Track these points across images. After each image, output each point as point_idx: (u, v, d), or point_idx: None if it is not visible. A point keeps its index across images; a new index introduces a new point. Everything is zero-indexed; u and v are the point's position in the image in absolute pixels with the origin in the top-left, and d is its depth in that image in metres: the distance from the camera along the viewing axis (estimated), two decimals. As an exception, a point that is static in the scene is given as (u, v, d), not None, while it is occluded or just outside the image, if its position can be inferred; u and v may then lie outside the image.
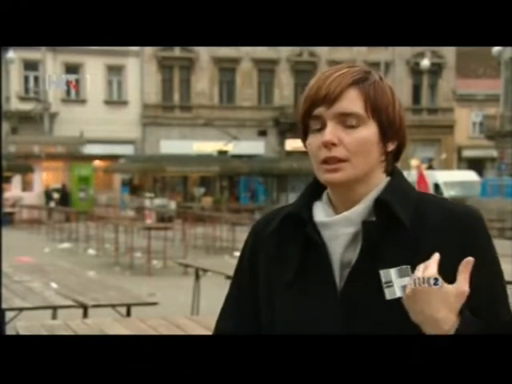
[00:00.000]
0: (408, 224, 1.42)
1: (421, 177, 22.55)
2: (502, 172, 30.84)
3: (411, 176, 26.30)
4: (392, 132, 1.45)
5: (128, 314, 6.27)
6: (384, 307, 1.39)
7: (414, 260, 1.39)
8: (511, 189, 25.57)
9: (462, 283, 1.33)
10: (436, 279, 1.31)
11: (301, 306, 1.45)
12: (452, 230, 1.42)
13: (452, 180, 29.92)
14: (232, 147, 36.27)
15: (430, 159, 40.06)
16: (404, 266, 1.39)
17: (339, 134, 1.41)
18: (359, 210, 1.44)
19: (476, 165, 39.10)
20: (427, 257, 1.37)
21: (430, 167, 36.56)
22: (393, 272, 1.39)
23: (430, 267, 1.33)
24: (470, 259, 1.34)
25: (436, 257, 1.35)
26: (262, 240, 1.54)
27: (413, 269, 1.39)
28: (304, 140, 1.48)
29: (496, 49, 31.74)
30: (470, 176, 31.49)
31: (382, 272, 1.40)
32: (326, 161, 1.42)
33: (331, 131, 1.41)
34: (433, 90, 41.23)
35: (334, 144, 1.40)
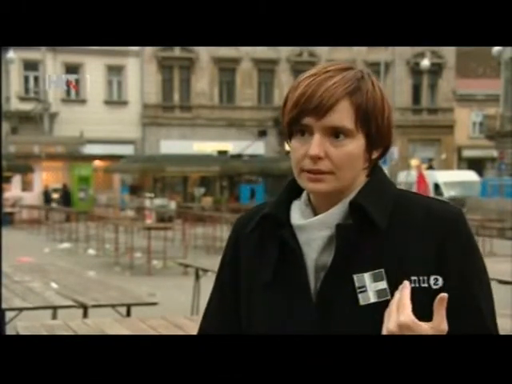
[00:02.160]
0: (383, 226, 1.40)
1: (421, 177, 22.58)
2: (502, 172, 30.83)
3: (411, 176, 26.34)
4: (379, 141, 1.43)
5: (128, 314, 6.27)
6: (358, 311, 1.38)
7: (391, 262, 1.38)
8: (511, 189, 25.57)
9: (440, 321, 1.28)
10: (436, 279, 1.30)
11: (276, 308, 1.44)
12: (430, 231, 1.40)
13: (452, 180, 29.93)
14: (232, 147, 36.29)
15: (430, 159, 40.05)
16: (378, 270, 1.38)
17: (326, 147, 1.38)
18: (334, 213, 1.42)
19: (476, 165, 39.10)
20: (404, 259, 1.37)
21: (430, 167, 36.54)
22: (367, 276, 1.38)
23: (403, 309, 1.29)
24: (444, 295, 1.28)
25: (406, 290, 1.31)
26: (242, 239, 1.54)
27: (388, 272, 1.37)
28: (288, 141, 1.45)
29: (496, 49, 31.74)
30: (470, 176, 31.49)
31: (355, 276, 1.39)
32: (309, 171, 1.39)
33: (318, 144, 1.37)
34: (433, 89, 41.22)
35: (319, 158, 1.38)
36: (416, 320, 1.28)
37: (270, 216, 1.47)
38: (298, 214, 1.46)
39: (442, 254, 1.39)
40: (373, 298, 1.37)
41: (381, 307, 1.34)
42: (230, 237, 1.58)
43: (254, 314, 1.48)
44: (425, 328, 1.28)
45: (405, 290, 1.31)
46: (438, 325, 1.28)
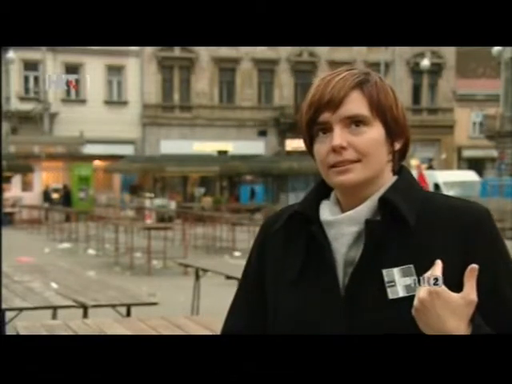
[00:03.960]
0: (412, 223, 1.41)
1: (421, 177, 22.59)
2: (501, 172, 30.83)
3: (411, 176, 26.29)
4: (397, 131, 1.46)
5: (128, 314, 6.27)
6: (387, 306, 1.39)
7: (418, 259, 1.39)
8: (511, 189, 25.56)
9: (469, 291, 1.31)
10: (436, 279, 1.31)
11: (304, 304, 1.45)
12: (456, 228, 1.41)
13: (452, 180, 29.91)
14: (232, 147, 36.31)
15: (430, 159, 40.04)
16: (407, 266, 1.39)
17: (347, 137, 1.41)
18: (364, 209, 1.44)
19: (476, 165, 39.10)
20: (431, 256, 1.37)
21: (430, 167, 36.54)
22: (396, 271, 1.40)
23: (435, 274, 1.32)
24: (475, 266, 1.31)
25: (438, 266, 1.33)
26: (269, 238, 1.56)
27: (416, 268, 1.38)
28: (310, 148, 1.48)
29: (496, 49, 31.75)
30: (470, 176, 31.48)
31: (384, 271, 1.40)
32: (335, 165, 1.42)
33: (339, 135, 1.41)
34: (433, 89, 41.22)
35: (343, 147, 1.40)
36: (446, 289, 1.31)
37: (299, 213, 1.49)
38: (327, 212, 1.48)
39: (470, 254, 1.39)
40: (402, 293, 1.38)
41: (409, 302, 1.35)
42: (258, 236, 1.60)
43: (281, 309, 1.49)
44: (454, 297, 1.31)
45: (437, 265, 1.33)
46: (468, 294, 1.31)
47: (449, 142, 41.26)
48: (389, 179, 1.47)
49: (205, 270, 9.04)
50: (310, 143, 1.47)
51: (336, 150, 1.40)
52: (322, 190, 1.52)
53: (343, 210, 1.47)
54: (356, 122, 1.42)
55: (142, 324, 4.96)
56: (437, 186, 28.75)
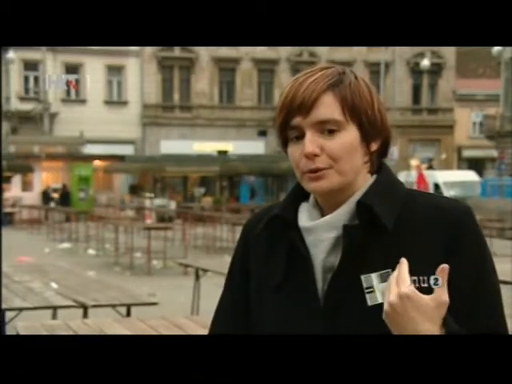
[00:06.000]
0: (391, 226, 1.39)
1: (420, 177, 22.60)
2: (501, 172, 30.84)
3: (411, 176, 26.37)
4: (374, 132, 1.41)
5: (128, 314, 6.27)
6: (366, 312, 1.37)
7: (397, 263, 1.36)
8: (511, 189, 25.57)
9: (440, 293, 1.29)
10: (436, 279, 1.31)
11: (284, 310, 1.44)
12: (440, 227, 1.39)
13: (452, 180, 29.93)
14: (232, 147, 36.32)
15: (430, 159, 40.01)
16: (385, 271, 1.37)
17: (319, 143, 1.37)
18: (341, 213, 1.42)
19: (476, 165, 39.09)
20: (412, 258, 1.35)
21: (430, 167, 36.52)
22: (374, 277, 1.38)
23: (403, 282, 1.30)
24: (445, 266, 1.30)
25: (404, 265, 1.32)
26: (252, 239, 1.54)
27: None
28: (285, 149, 1.45)
29: (496, 49, 31.75)
30: (470, 176, 31.50)
31: (363, 277, 1.38)
32: (308, 171, 1.39)
33: (311, 141, 1.37)
34: (433, 89, 41.20)
35: (316, 155, 1.37)
36: (416, 291, 1.29)
37: (278, 218, 1.47)
38: (305, 216, 1.46)
39: (451, 253, 1.38)
40: (380, 299, 1.36)
41: None
42: (240, 238, 1.58)
43: (263, 314, 1.48)
44: (425, 299, 1.29)
45: (402, 265, 1.32)
46: (440, 296, 1.29)
47: (449, 142, 41.25)
48: (366, 181, 1.44)
49: (205, 270, 9.05)
50: (284, 145, 1.44)
51: (308, 157, 1.37)
52: (301, 192, 1.48)
53: (323, 213, 1.45)
54: (329, 126, 1.37)
55: (142, 324, 4.96)
56: (437, 185, 28.78)
